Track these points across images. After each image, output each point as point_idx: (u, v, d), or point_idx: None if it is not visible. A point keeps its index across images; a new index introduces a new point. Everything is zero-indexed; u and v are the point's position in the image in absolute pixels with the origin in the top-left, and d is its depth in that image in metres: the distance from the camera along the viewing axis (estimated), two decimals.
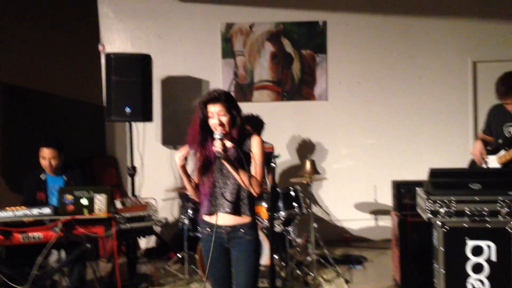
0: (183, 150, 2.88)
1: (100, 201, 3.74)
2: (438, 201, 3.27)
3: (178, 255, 4.88)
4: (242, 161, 2.78)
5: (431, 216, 3.30)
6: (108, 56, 5.15)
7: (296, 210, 4.70)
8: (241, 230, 2.83)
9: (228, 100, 2.80)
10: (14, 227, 3.63)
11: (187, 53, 5.95)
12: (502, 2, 5.89)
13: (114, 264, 4.03)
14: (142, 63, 5.13)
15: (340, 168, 6.01)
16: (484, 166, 3.84)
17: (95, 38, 5.87)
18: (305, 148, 5.96)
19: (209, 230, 2.86)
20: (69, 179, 4.32)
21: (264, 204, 4.59)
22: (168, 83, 5.95)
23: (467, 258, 3.27)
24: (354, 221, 6.02)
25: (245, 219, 2.85)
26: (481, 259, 3.26)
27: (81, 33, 5.79)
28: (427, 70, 5.93)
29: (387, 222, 5.64)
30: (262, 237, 4.26)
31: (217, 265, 2.90)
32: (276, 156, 4.01)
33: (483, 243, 3.26)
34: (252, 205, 2.88)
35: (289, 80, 5.98)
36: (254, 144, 2.85)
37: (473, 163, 4.00)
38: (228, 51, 5.94)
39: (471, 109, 5.93)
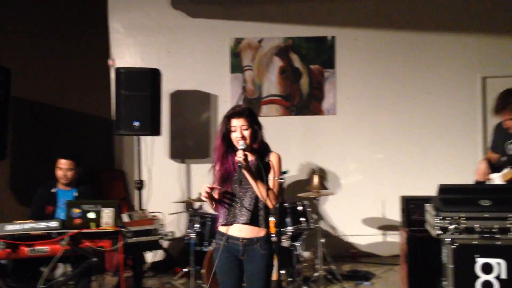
0: (212, 185, 2.94)
1: (108, 214, 3.74)
2: (447, 217, 3.24)
3: (185, 269, 4.86)
4: (261, 173, 2.87)
5: (440, 232, 3.27)
6: (117, 70, 5.20)
7: (304, 225, 4.67)
8: (257, 243, 2.90)
9: (250, 115, 2.94)
10: (21, 241, 3.63)
11: (196, 68, 5.99)
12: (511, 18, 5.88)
13: (120, 278, 4.01)
14: (151, 77, 5.17)
15: (348, 183, 5.98)
16: None
17: (105, 53, 5.94)
18: (313, 163, 5.94)
19: (226, 241, 2.93)
20: (80, 195, 4.35)
21: (272, 219, 4.56)
22: (177, 97, 5.98)
23: (477, 276, 3.23)
24: (362, 236, 5.97)
25: (261, 232, 2.93)
26: (490, 277, 3.22)
27: (91, 47, 5.86)
28: (436, 85, 5.92)
29: (396, 238, 5.58)
30: None
31: (230, 276, 2.95)
32: (284, 172, 4.00)
33: (493, 261, 3.22)
34: (267, 218, 2.97)
35: (297, 94, 5.99)
36: (273, 159, 2.98)
37: (476, 183, 3.96)
38: (237, 66, 5.98)
39: (480, 125, 5.89)
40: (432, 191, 3.62)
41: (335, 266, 4.97)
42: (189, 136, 6.03)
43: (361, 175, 6.00)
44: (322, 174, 5.28)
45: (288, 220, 4.63)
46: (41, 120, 5.43)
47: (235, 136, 2.91)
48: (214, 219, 4.74)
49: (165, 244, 5.08)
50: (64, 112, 5.58)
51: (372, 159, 5.99)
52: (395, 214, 5.44)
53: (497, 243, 3.20)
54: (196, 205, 5.15)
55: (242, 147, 2.86)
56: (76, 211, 3.71)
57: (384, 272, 5.37)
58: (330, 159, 5.99)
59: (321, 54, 5.97)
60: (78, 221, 3.71)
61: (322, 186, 5.10)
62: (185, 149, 6.02)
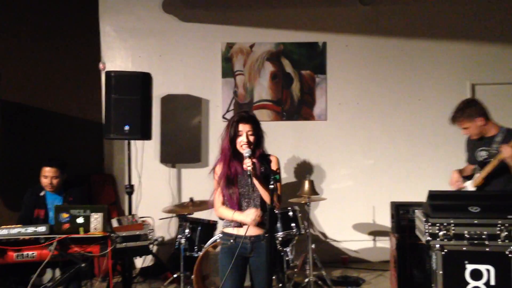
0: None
1: (96, 219, 3.71)
2: (437, 223, 3.25)
3: (174, 275, 4.83)
4: (267, 177, 3.01)
5: (429, 238, 3.27)
6: (108, 74, 5.16)
7: (294, 230, 4.66)
8: (263, 239, 3.09)
9: (256, 122, 3.15)
10: (8, 246, 3.59)
11: (187, 72, 5.98)
12: (501, 26, 5.95)
13: (109, 284, 3.98)
14: (142, 81, 5.14)
15: (339, 189, 5.99)
16: None
17: (96, 56, 5.91)
18: (304, 168, 5.94)
19: (234, 241, 3.10)
20: (69, 196, 4.32)
21: None
22: (168, 101, 5.96)
23: (466, 282, 3.23)
24: (352, 242, 5.98)
25: (265, 228, 3.10)
26: (480, 283, 3.22)
27: (82, 51, 5.83)
28: (426, 92, 5.96)
29: (386, 244, 5.60)
30: None
31: (235, 276, 3.08)
32: (275, 178, 4.00)
33: (482, 267, 3.23)
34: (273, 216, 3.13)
35: (288, 100, 6.00)
36: (275, 162, 3.18)
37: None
38: (228, 71, 5.97)
39: None
40: (422, 197, 3.63)
41: (326, 271, 4.97)
42: (180, 141, 6.01)
43: (352, 180, 6.02)
44: (313, 179, 5.28)
45: (278, 225, 4.62)
46: (31, 123, 5.39)
47: (240, 140, 3.07)
48: (204, 224, 4.72)
49: (154, 249, 5.05)
50: (53, 115, 5.54)
51: (362, 164, 6.01)
52: (385, 219, 5.46)
53: (486, 249, 3.21)
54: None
55: (247, 154, 2.99)
56: (65, 216, 3.68)
57: (374, 278, 5.38)
58: (321, 164, 6.00)
59: (313, 59, 5.99)
60: (66, 226, 3.68)
61: (313, 191, 5.10)
62: (175, 154, 6.00)
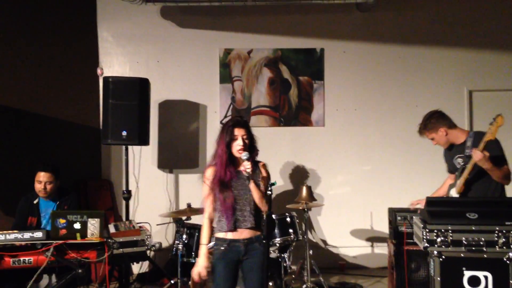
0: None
1: (93, 225, 3.70)
2: (434, 230, 3.25)
3: (171, 281, 4.81)
4: (259, 181, 3.16)
5: (427, 245, 3.27)
6: (105, 79, 5.16)
7: (292, 236, 4.66)
8: (256, 242, 3.17)
9: (249, 127, 3.25)
10: (4, 251, 3.57)
11: (185, 78, 5.99)
12: (498, 33, 5.98)
13: None
14: (140, 86, 5.14)
15: (336, 195, 5.99)
16: None
17: (94, 62, 5.91)
18: (302, 174, 5.94)
19: (228, 246, 3.14)
20: (63, 203, 4.30)
21: None
22: (166, 106, 5.96)
23: None
24: (350, 248, 5.97)
25: (258, 231, 3.19)
26: None
27: (80, 56, 5.83)
28: (423, 98, 5.97)
29: (384, 250, 5.60)
30: None
31: (229, 280, 3.14)
32: (273, 184, 4.01)
33: (480, 274, 3.22)
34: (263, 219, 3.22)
35: (286, 105, 6.01)
36: (264, 169, 3.27)
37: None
38: (226, 76, 5.98)
39: None
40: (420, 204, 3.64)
41: (323, 278, 4.96)
42: (178, 146, 6.00)
43: (349, 186, 6.02)
44: (311, 185, 5.28)
45: (276, 231, 4.62)
46: (28, 128, 5.37)
47: (236, 144, 3.14)
48: (201, 230, 4.70)
49: (152, 255, 5.03)
50: (51, 120, 5.53)
51: (360, 170, 6.02)
52: (383, 225, 5.47)
53: (484, 256, 3.21)
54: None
55: (245, 157, 3.10)
56: (62, 221, 3.67)
57: (372, 284, 5.37)
58: (319, 170, 6.00)
59: (310, 65, 6.01)
60: (63, 231, 3.67)
61: (311, 197, 5.09)
62: (173, 159, 5.99)
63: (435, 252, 3.26)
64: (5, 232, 3.66)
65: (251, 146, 3.20)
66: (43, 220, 4.26)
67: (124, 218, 5.31)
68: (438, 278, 3.25)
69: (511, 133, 4.86)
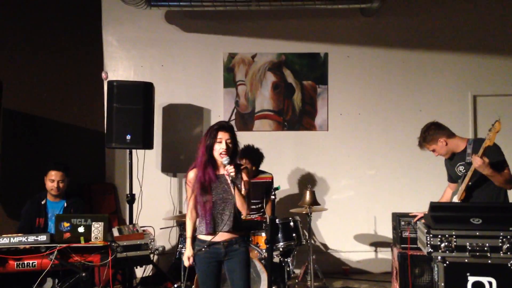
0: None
1: (97, 229, 3.71)
2: (438, 235, 3.24)
3: (175, 285, 4.81)
4: (240, 185, 3.20)
5: (431, 250, 3.26)
6: (110, 83, 5.18)
7: (295, 241, 4.65)
8: (236, 243, 3.22)
9: (234, 132, 3.26)
10: (9, 254, 3.58)
11: (189, 82, 6.00)
12: (502, 38, 5.97)
13: None
14: (144, 91, 5.16)
15: (340, 199, 5.98)
16: None
17: (99, 66, 5.94)
18: (305, 179, 5.94)
19: (208, 248, 3.19)
20: (69, 206, 4.32)
21: (263, 235, 4.55)
22: (170, 110, 5.98)
23: None
24: (353, 253, 5.96)
25: (237, 234, 3.24)
26: None
27: (85, 60, 5.86)
28: (427, 103, 5.97)
29: (387, 255, 5.58)
30: (260, 267, 4.20)
31: (211, 279, 3.22)
32: (276, 188, 4.02)
33: (484, 279, 3.21)
34: (242, 222, 3.30)
35: (290, 110, 6.01)
36: (245, 173, 3.29)
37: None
38: (230, 81, 5.99)
39: None
40: (424, 208, 3.63)
41: (327, 282, 4.95)
42: (181, 150, 6.01)
43: (353, 191, 6.01)
44: (314, 190, 5.27)
45: (279, 236, 4.61)
46: (32, 132, 5.40)
47: (219, 147, 3.16)
48: None
49: (155, 258, 5.03)
50: (55, 124, 5.55)
51: (364, 175, 6.01)
52: (387, 230, 5.45)
53: (488, 261, 3.20)
54: None
55: (226, 161, 3.13)
56: (66, 225, 3.68)
57: None
58: (322, 174, 5.99)
59: (314, 70, 6.01)
60: (67, 235, 3.68)
61: (314, 201, 5.08)
62: (177, 163, 6.00)
63: (439, 258, 3.25)
64: (9, 235, 3.67)
65: (234, 151, 3.22)
66: (50, 222, 4.27)
67: (127, 222, 5.32)
68: (442, 284, 3.24)
69: None
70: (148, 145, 5.23)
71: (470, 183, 3.72)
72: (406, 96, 6.01)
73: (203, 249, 3.20)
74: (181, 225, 4.77)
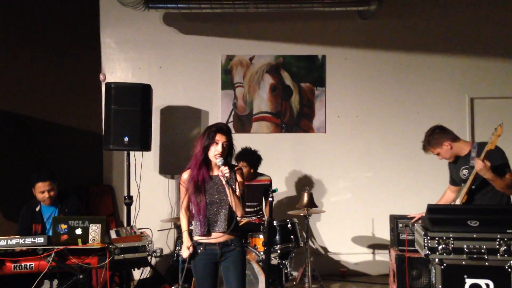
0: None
1: (95, 231, 3.70)
2: (436, 237, 3.25)
3: (173, 287, 4.80)
4: (234, 186, 3.21)
5: (428, 252, 3.27)
6: (108, 85, 5.18)
7: (293, 243, 4.65)
8: (232, 244, 3.23)
9: (231, 135, 3.29)
10: (6, 257, 3.57)
11: (187, 84, 6.01)
12: (499, 40, 5.99)
13: None
14: (142, 92, 5.16)
15: (338, 201, 5.98)
16: None
17: (97, 68, 5.94)
18: (303, 181, 5.94)
19: (204, 249, 3.22)
20: (63, 206, 4.31)
21: (261, 237, 4.55)
22: (168, 112, 5.98)
23: None
24: (351, 255, 5.96)
25: (233, 235, 3.24)
26: None
27: (83, 62, 5.86)
28: (425, 105, 5.98)
29: (385, 257, 5.59)
30: (258, 270, 4.20)
31: (208, 281, 3.24)
32: (274, 191, 4.02)
33: (481, 281, 3.22)
34: (237, 223, 3.29)
35: (288, 112, 6.02)
36: (239, 173, 3.31)
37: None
38: (228, 83, 6.00)
39: None
40: (421, 211, 3.63)
41: (324, 284, 4.95)
42: (179, 152, 6.01)
43: (351, 193, 6.01)
44: (312, 192, 5.28)
45: (277, 238, 4.61)
46: (30, 134, 5.38)
47: (215, 149, 3.19)
48: None
49: (153, 261, 5.02)
50: (53, 126, 5.54)
51: (361, 177, 6.01)
52: (384, 232, 5.46)
53: (485, 264, 3.21)
54: None
55: (220, 162, 3.15)
56: (63, 227, 3.67)
57: None
58: (320, 176, 6.00)
59: (312, 72, 6.02)
60: (64, 237, 3.67)
61: (312, 204, 5.09)
62: (174, 165, 6.00)
63: (437, 260, 3.26)
64: (6, 237, 3.66)
65: (228, 154, 3.25)
66: (47, 225, 4.26)
67: (125, 224, 5.31)
68: (440, 286, 3.25)
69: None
70: (146, 147, 5.23)
71: (473, 187, 3.72)
72: (403, 98, 6.02)
73: (199, 250, 3.22)
74: (179, 227, 4.77)
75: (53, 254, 3.56)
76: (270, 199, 3.73)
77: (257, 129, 5.97)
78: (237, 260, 3.24)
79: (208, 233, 3.20)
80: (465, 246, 3.22)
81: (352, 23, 6.02)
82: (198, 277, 3.27)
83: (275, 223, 4.64)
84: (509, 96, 5.95)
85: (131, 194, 5.31)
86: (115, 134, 5.04)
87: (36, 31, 5.50)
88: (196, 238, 3.26)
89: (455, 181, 4.03)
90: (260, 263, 4.24)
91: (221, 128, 3.24)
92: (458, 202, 3.90)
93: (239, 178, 3.28)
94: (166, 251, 5.65)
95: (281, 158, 5.97)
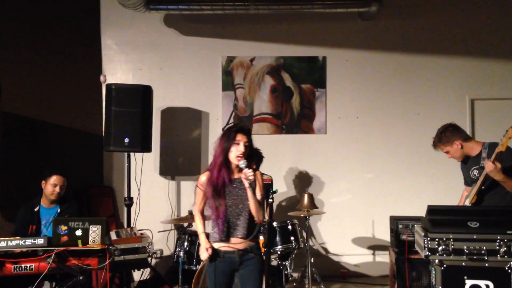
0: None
1: (95, 232, 3.70)
2: (436, 238, 3.24)
3: None
4: (255, 189, 3.06)
5: (429, 253, 3.26)
6: (108, 86, 5.19)
7: (293, 244, 4.65)
8: (251, 251, 3.11)
9: (251, 136, 3.19)
10: (6, 258, 3.58)
11: (188, 85, 6.01)
12: (500, 42, 5.99)
13: None
14: (143, 94, 5.16)
15: (338, 202, 5.98)
16: None
17: (97, 69, 5.95)
18: (303, 182, 5.94)
19: (222, 257, 3.08)
20: (63, 212, 4.32)
21: (261, 238, 4.54)
22: (168, 114, 5.99)
23: None
24: (351, 256, 5.96)
25: (252, 241, 3.12)
26: None
27: (83, 63, 5.87)
28: (425, 106, 5.98)
29: (385, 258, 5.59)
30: None
31: (224, 286, 3.10)
32: (274, 192, 4.02)
33: (481, 283, 3.21)
34: (259, 229, 3.17)
35: (288, 113, 6.02)
36: (260, 177, 3.18)
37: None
38: (228, 84, 6.00)
39: None
40: (421, 212, 3.63)
41: (325, 286, 4.94)
42: (180, 153, 6.02)
43: (351, 194, 6.01)
44: (312, 193, 5.28)
45: (277, 239, 4.61)
46: (31, 135, 5.39)
47: (236, 149, 3.07)
48: None
49: (153, 262, 5.02)
50: (54, 127, 5.55)
51: (362, 178, 6.01)
52: (384, 234, 5.45)
53: (485, 265, 3.20)
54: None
55: (243, 165, 3.02)
56: (63, 228, 3.68)
57: None
58: (320, 178, 6.00)
59: (313, 73, 6.02)
60: (64, 238, 3.67)
61: (312, 205, 5.09)
62: (175, 166, 6.00)
63: (437, 261, 3.25)
64: (6, 238, 3.66)
65: (249, 156, 3.12)
66: (43, 228, 4.26)
67: (125, 225, 5.31)
68: (440, 287, 3.24)
69: None
70: (146, 148, 5.23)
71: (483, 187, 3.72)
72: (404, 100, 6.02)
73: (217, 258, 3.09)
74: (179, 228, 4.77)
75: (53, 256, 3.56)
76: (270, 200, 3.73)
77: (257, 130, 5.97)
78: (256, 269, 3.12)
79: (227, 239, 3.07)
80: (465, 247, 3.21)
81: (353, 24, 6.02)
82: (212, 284, 3.11)
83: (275, 224, 4.64)
84: (509, 97, 5.95)
85: (131, 195, 5.31)
86: (115, 135, 5.05)
87: (37, 33, 5.51)
88: (214, 245, 3.11)
89: (467, 181, 4.02)
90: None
91: (242, 128, 3.14)
92: (467, 202, 3.89)
93: (260, 182, 3.15)
94: (166, 252, 5.65)
95: (282, 159, 5.97)
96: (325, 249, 6.00)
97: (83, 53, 5.86)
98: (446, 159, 5.77)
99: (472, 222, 3.27)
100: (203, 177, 3.15)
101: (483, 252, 3.19)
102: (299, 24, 6.03)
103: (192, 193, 5.94)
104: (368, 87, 6.03)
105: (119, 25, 5.97)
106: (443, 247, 3.23)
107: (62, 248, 3.61)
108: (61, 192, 4.32)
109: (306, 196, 5.12)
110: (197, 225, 3.22)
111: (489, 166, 3.50)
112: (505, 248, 3.17)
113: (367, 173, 6.01)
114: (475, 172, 3.81)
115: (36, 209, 4.30)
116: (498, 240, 3.19)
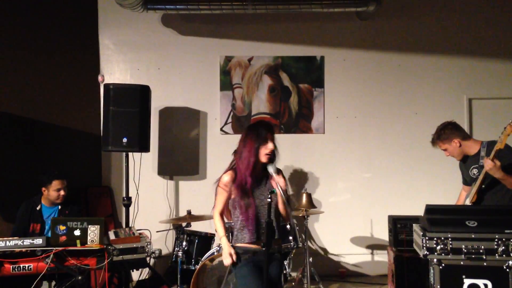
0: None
1: (93, 232, 3.70)
2: (434, 238, 3.25)
3: None
4: (282, 193, 3.03)
5: (427, 253, 3.27)
6: (106, 86, 5.18)
7: (292, 243, 4.65)
8: (278, 252, 3.15)
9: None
10: (5, 258, 3.57)
11: (186, 85, 6.01)
12: (498, 41, 6.01)
13: None
14: (141, 94, 5.16)
15: (336, 202, 5.99)
16: None
17: (95, 69, 5.94)
18: (302, 181, 5.95)
19: (252, 255, 3.03)
20: (65, 210, 4.32)
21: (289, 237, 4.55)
22: (166, 113, 5.98)
23: None
24: (350, 255, 5.96)
25: (277, 242, 3.16)
26: None
27: (81, 63, 5.86)
28: (423, 106, 5.99)
29: (384, 257, 5.60)
30: None
31: (257, 280, 2.97)
32: (272, 192, 4.02)
33: (480, 282, 3.22)
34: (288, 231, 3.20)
35: (286, 113, 6.02)
36: (283, 177, 3.16)
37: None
38: (226, 84, 6.00)
39: None
40: (420, 211, 3.64)
41: (323, 285, 4.95)
42: (178, 153, 6.02)
43: (350, 194, 6.02)
44: (311, 192, 5.28)
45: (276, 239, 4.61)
46: (28, 135, 5.39)
47: (265, 147, 3.05)
48: (201, 237, 4.71)
49: (151, 262, 5.02)
50: (51, 127, 5.54)
51: (360, 178, 6.02)
52: (383, 233, 5.46)
53: (484, 264, 3.21)
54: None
55: (272, 169, 3.01)
56: (62, 228, 3.67)
57: None
58: (319, 177, 6.00)
59: (311, 73, 6.03)
60: (63, 238, 3.66)
61: (311, 204, 5.10)
62: (173, 166, 6.00)
63: (435, 260, 3.26)
64: (5, 238, 3.65)
65: (274, 155, 3.09)
66: (47, 226, 4.27)
67: (124, 225, 5.31)
68: (438, 286, 3.25)
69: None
70: (145, 148, 5.23)
71: (483, 186, 3.72)
72: (402, 99, 6.03)
73: (248, 256, 3.03)
74: (178, 228, 4.77)
75: (51, 256, 3.56)
76: (269, 200, 3.73)
77: None
78: (279, 268, 3.15)
79: (257, 241, 3.03)
80: (463, 246, 3.23)
81: (351, 24, 6.03)
82: (245, 281, 2.99)
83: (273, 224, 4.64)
84: (507, 96, 5.96)
85: (129, 195, 5.30)
86: (113, 135, 5.04)
87: (34, 33, 5.50)
88: (241, 244, 3.06)
89: (467, 180, 4.02)
90: None
91: (270, 126, 3.14)
92: (468, 201, 3.89)
93: (283, 184, 3.08)
94: (165, 252, 5.65)
95: (280, 159, 5.90)
96: (324, 249, 6.00)
97: (80, 53, 5.85)
98: (444, 159, 5.78)
99: (470, 221, 3.28)
100: (226, 177, 3.08)
101: (481, 251, 3.21)
102: (297, 24, 6.03)
103: (190, 193, 5.99)
104: (366, 87, 6.04)
105: (117, 25, 5.96)
106: (442, 246, 3.24)
107: (60, 248, 3.60)
108: (65, 194, 4.39)
109: (304, 196, 5.13)
110: (217, 228, 3.14)
111: (488, 164, 3.51)
112: (503, 247, 3.19)
113: (366, 172, 6.02)
114: (475, 171, 3.82)
115: (38, 208, 4.30)
116: (496, 239, 3.20)
